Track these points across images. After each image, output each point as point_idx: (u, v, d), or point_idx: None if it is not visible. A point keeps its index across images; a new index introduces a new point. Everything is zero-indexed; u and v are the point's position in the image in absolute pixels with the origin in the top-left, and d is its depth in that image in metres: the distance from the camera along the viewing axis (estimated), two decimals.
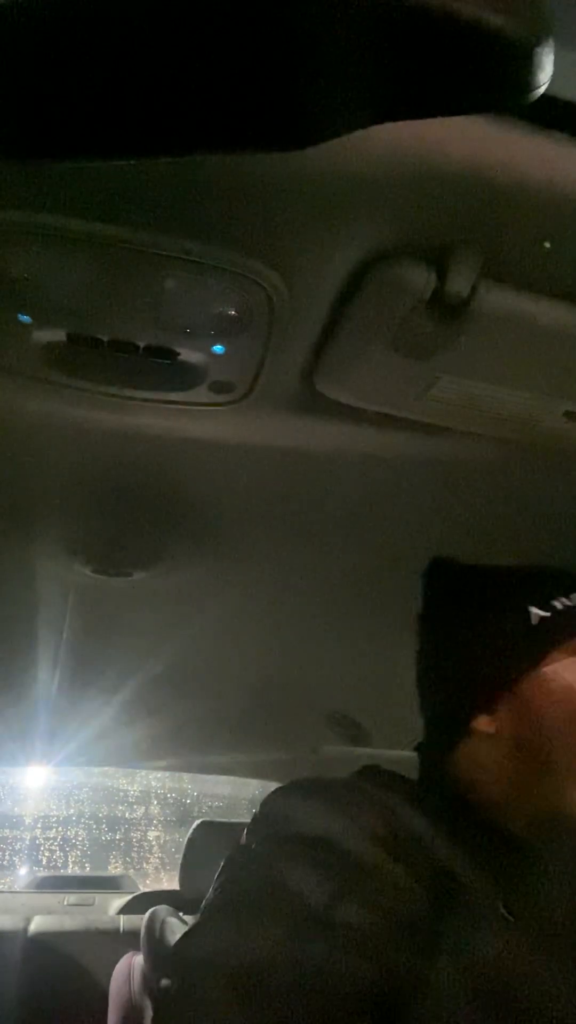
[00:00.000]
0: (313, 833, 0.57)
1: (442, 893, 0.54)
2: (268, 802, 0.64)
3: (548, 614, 0.68)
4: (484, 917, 0.51)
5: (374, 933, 0.49)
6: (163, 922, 1.27)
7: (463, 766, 0.68)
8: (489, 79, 0.25)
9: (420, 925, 0.51)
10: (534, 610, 0.69)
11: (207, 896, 0.58)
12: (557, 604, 0.69)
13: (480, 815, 0.64)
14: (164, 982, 0.51)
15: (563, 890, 0.51)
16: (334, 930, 0.49)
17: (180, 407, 0.63)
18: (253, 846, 0.60)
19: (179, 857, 1.87)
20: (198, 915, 0.57)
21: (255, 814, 0.64)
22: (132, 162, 0.37)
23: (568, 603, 0.68)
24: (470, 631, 0.73)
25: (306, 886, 0.51)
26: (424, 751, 0.74)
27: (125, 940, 1.83)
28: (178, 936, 1.32)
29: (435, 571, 0.79)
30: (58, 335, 0.53)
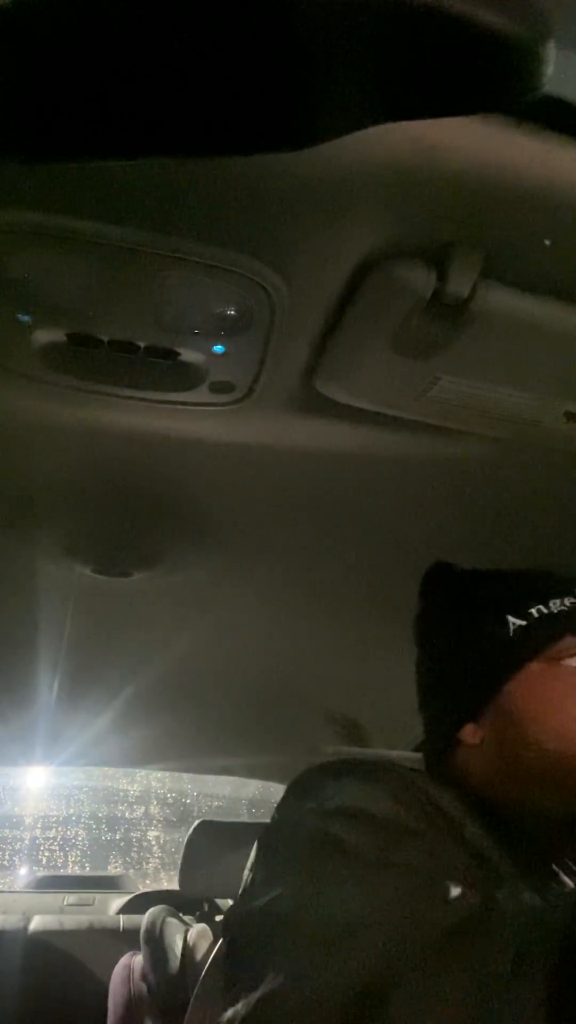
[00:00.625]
0: (354, 805, 0.57)
1: (477, 866, 0.55)
2: (301, 781, 0.64)
3: (524, 623, 0.68)
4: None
5: (432, 873, 0.50)
6: (163, 922, 1.28)
7: (457, 772, 0.69)
8: (489, 79, 0.25)
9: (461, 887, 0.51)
10: (511, 619, 0.68)
11: (248, 870, 0.58)
12: (534, 612, 0.68)
13: (484, 811, 0.65)
14: (250, 998, 0.48)
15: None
16: (398, 869, 0.50)
17: (180, 407, 0.63)
18: (293, 820, 0.60)
19: (179, 857, 1.87)
20: (243, 888, 0.57)
21: (285, 795, 0.64)
22: (132, 162, 0.37)
23: (544, 610, 0.68)
24: (455, 641, 0.74)
25: (361, 842, 0.52)
26: (424, 754, 0.74)
27: (125, 940, 1.83)
28: (178, 936, 1.32)
29: (431, 576, 0.79)
30: (58, 335, 0.53)
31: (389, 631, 0.94)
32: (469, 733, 0.68)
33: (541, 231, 0.46)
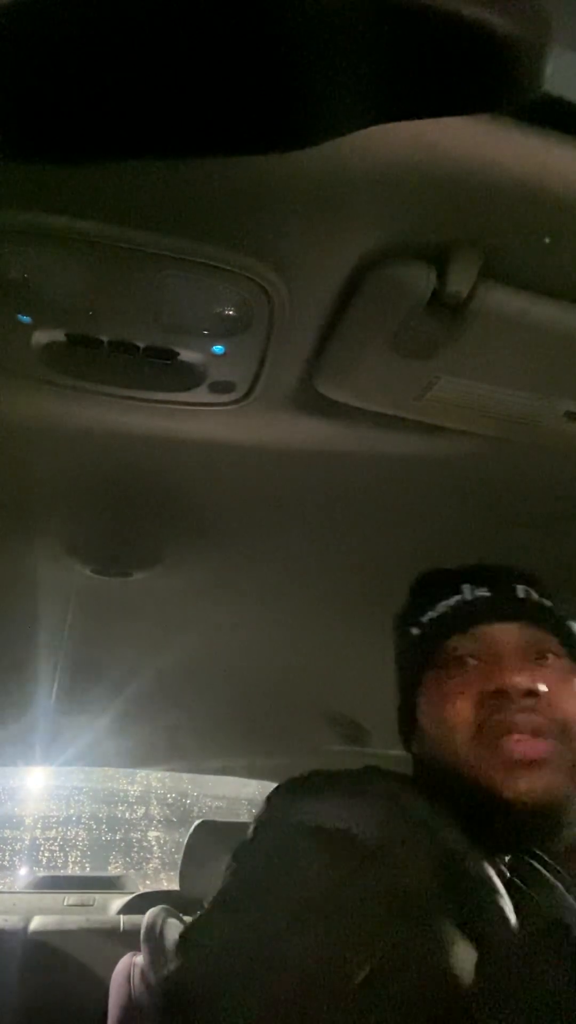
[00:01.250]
0: (320, 823, 0.56)
1: (450, 871, 0.54)
2: (274, 795, 0.64)
3: (419, 632, 0.68)
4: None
5: (373, 916, 0.49)
6: (163, 922, 1.27)
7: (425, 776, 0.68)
8: (489, 79, 0.25)
9: (427, 898, 0.50)
10: (412, 630, 0.68)
11: (219, 889, 0.58)
12: (424, 619, 0.68)
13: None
14: (170, 967, 0.51)
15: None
16: (332, 918, 0.49)
17: (180, 407, 0.63)
18: (259, 838, 0.60)
19: (179, 857, 1.86)
20: (205, 907, 0.57)
21: (261, 808, 0.63)
22: (132, 162, 0.37)
23: (433, 615, 0.67)
24: (394, 658, 0.75)
25: (310, 874, 0.51)
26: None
27: (125, 940, 1.82)
28: (178, 936, 1.32)
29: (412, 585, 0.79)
30: (58, 335, 0.53)
31: (389, 631, 0.94)
32: (413, 746, 0.69)
33: (541, 231, 0.46)
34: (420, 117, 0.27)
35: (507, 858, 0.61)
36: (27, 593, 1.02)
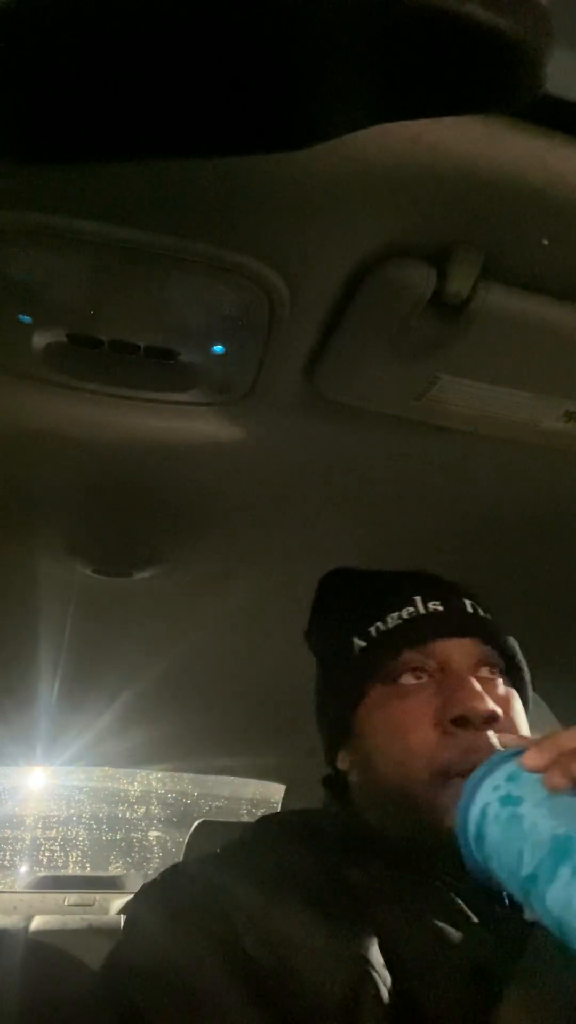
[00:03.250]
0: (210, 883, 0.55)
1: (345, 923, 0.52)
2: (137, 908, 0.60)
3: (365, 644, 0.64)
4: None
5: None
6: None
7: (348, 799, 0.67)
8: (489, 79, 0.25)
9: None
10: (356, 640, 0.65)
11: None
12: (372, 631, 0.64)
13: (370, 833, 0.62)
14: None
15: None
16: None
17: (180, 407, 0.63)
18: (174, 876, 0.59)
19: (179, 857, 1.87)
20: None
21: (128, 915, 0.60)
22: (132, 163, 0.37)
23: (382, 627, 0.64)
24: (321, 663, 0.72)
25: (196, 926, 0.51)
26: (324, 780, 0.72)
27: None
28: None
29: (321, 585, 0.77)
30: (58, 335, 0.53)
31: None
32: (341, 759, 0.67)
33: (541, 231, 0.46)
34: (420, 117, 0.27)
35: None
36: (27, 593, 1.02)
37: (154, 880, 0.60)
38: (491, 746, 0.55)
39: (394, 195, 0.43)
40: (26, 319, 0.52)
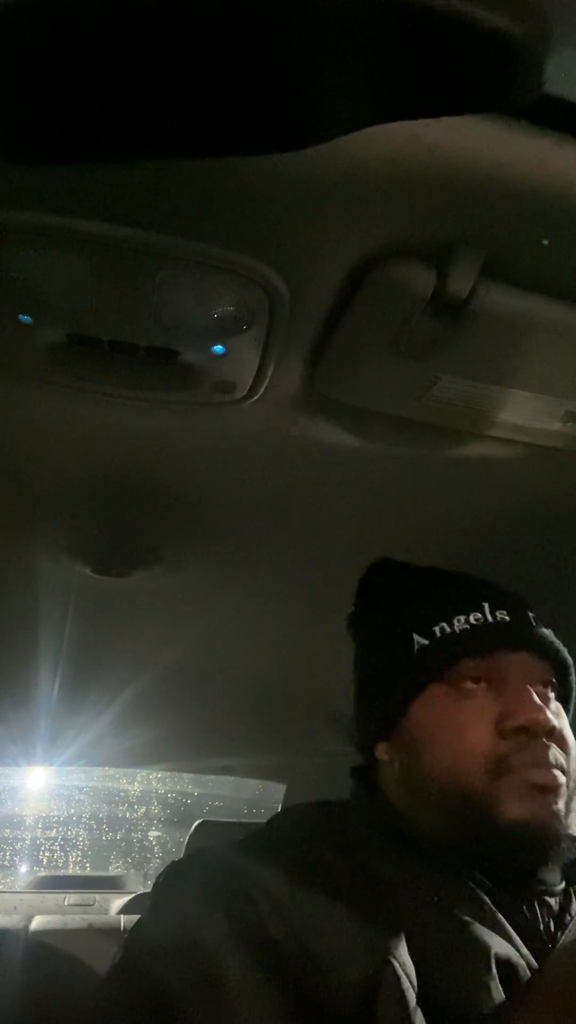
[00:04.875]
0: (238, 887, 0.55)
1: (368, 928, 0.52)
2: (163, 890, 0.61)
3: (427, 642, 0.65)
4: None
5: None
6: None
7: (380, 791, 0.68)
8: (489, 79, 0.25)
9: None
10: (416, 637, 0.65)
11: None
12: (436, 631, 0.64)
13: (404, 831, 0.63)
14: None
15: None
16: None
17: (180, 407, 0.63)
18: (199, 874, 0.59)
19: (179, 857, 1.86)
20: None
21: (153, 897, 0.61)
22: (132, 163, 0.37)
23: (448, 629, 0.64)
24: (370, 654, 0.73)
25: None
26: (353, 771, 0.72)
27: None
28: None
29: (367, 575, 0.77)
30: (58, 335, 0.53)
31: None
32: (382, 751, 0.67)
33: (541, 231, 0.46)
34: (420, 117, 0.27)
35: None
36: (27, 593, 1.02)
37: (179, 862, 0.62)
38: (548, 753, 0.58)
39: (394, 195, 0.43)
40: (26, 319, 0.52)
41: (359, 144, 0.40)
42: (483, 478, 0.76)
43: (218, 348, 0.55)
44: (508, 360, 0.55)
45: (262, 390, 0.61)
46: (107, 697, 1.41)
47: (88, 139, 0.27)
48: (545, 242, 0.47)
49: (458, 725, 0.61)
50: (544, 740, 0.59)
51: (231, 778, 2.41)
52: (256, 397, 0.61)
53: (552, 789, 0.58)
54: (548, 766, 0.58)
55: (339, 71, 0.25)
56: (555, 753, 0.59)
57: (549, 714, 0.60)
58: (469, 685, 0.62)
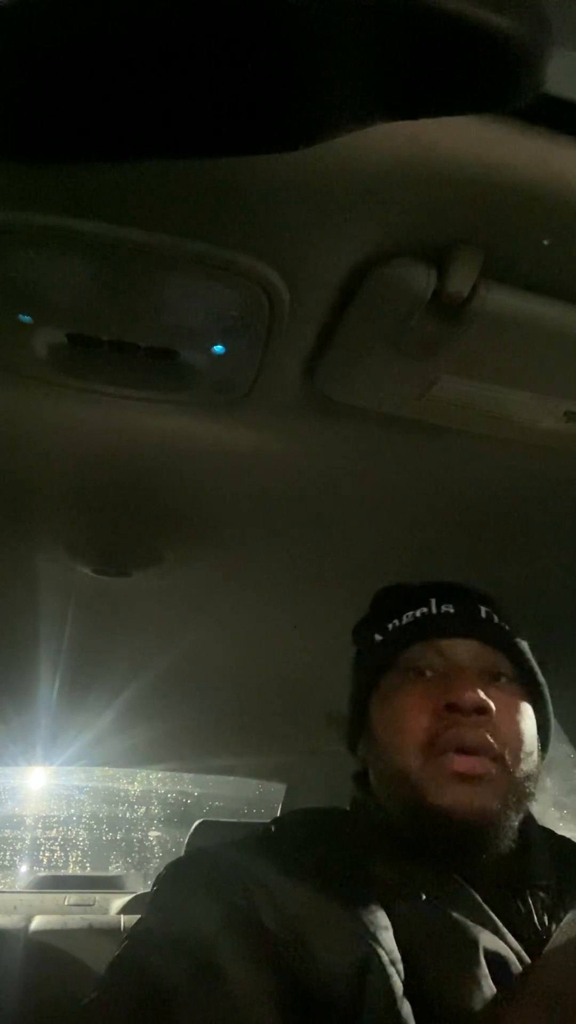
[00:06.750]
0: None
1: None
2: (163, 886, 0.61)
3: (381, 638, 0.69)
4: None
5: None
6: None
7: (371, 790, 0.69)
8: (489, 79, 0.25)
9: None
10: (376, 636, 0.70)
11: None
12: (389, 627, 0.69)
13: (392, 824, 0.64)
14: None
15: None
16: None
17: (180, 407, 0.63)
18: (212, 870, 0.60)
19: None
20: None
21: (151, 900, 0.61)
22: (132, 163, 0.37)
23: (398, 623, 0.69)
24: (354, 661, 0.76)
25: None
26: (354, 776, 0.75)
27: None
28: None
29: (377, 594, 0.80)
30: (58, 335, 0.53)
31: None
32: (360, 750, 0.71)
33: (541, 231, 0.46)
34: (420, 117, 0.27)
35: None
36: (27, 593, 1.02)
37: (179, 860, 0.63)
38: (475, 734, 0.58)
39: (394, 195, 0.43)
40: (26, 319, 0.52)
41: (359, 144, 0.40)
42: (483, 478, 0.76)
43: (218, 348, 0.55)
44: (508, 360, 0.55)
45: (262, 390, 0.61)
46: (107, 697, 1.42)
47: (88, 139, 0.27)
48: (545, 242, 0.47)
49: (402, 710, 0.63)
50: (475, 721, 0.60)
51: (231, 778, 2.41)
52: (256, 397, 0.61)
53: (473, 778, 0.58)
54: (474, 752, 0.59)
55: (339, 71, 0.25)
56: (486, 736, 0.60)
57: (481, 693, 0.60)
58: (413, 674, 0.65)
